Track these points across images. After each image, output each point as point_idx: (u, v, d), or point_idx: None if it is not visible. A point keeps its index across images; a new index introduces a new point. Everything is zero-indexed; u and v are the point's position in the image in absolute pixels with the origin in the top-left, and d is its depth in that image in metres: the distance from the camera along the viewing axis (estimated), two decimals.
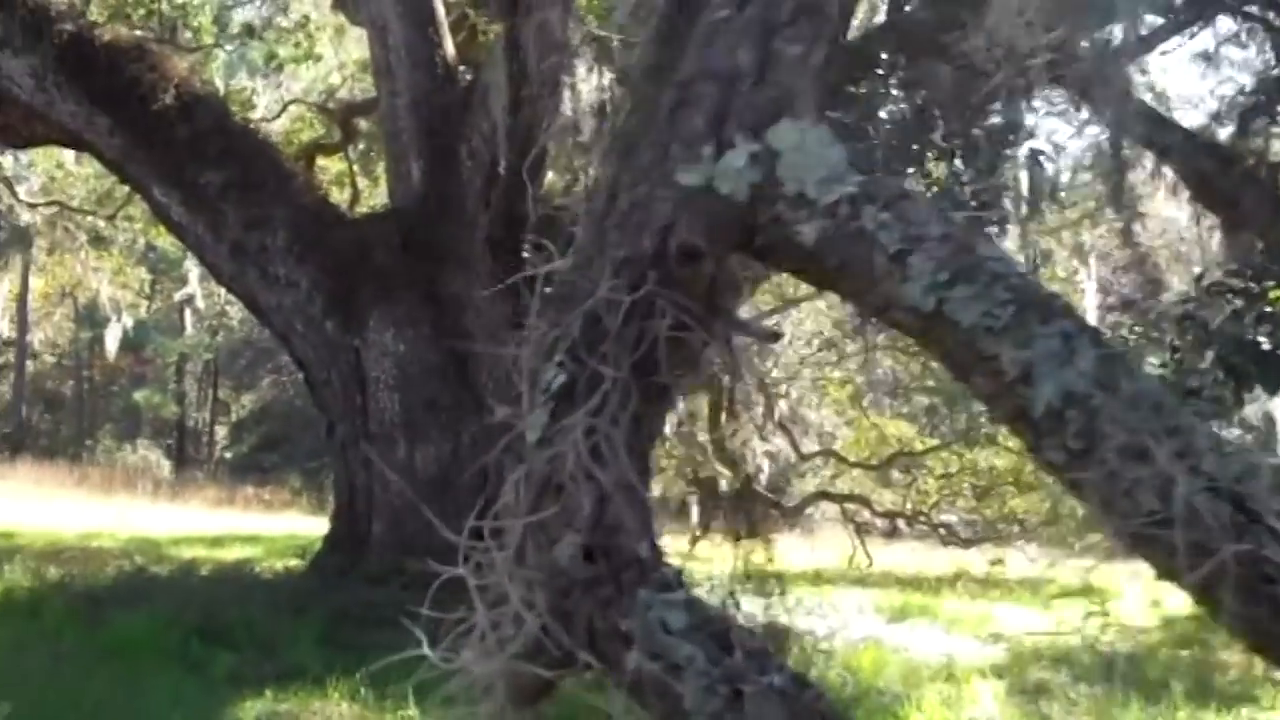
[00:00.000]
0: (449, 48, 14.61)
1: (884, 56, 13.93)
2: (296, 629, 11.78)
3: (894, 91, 13.92)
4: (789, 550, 30.37)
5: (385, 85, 14.69)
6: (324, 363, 14.31)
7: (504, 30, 13.50)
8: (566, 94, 12.07)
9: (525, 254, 14.39)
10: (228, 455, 54.85)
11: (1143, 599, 22.20)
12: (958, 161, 14.02)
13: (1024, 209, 17.45)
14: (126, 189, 25.05)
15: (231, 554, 20.32)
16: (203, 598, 12.84)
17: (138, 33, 15.95)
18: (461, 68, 14.68)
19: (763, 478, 27.93)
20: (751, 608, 14.18)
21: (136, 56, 14.07)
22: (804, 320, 29.21)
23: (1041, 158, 17.79)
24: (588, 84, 12.10)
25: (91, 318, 47.46)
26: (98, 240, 28.80)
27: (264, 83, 23.04)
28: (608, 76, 12.42)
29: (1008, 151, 17.07)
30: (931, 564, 26.79)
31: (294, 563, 16.89)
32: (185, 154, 13.99)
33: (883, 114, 11.02)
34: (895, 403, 34.09)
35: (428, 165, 14.23)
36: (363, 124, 23.45)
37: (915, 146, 13.70)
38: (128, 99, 13.86)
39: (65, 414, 58.33)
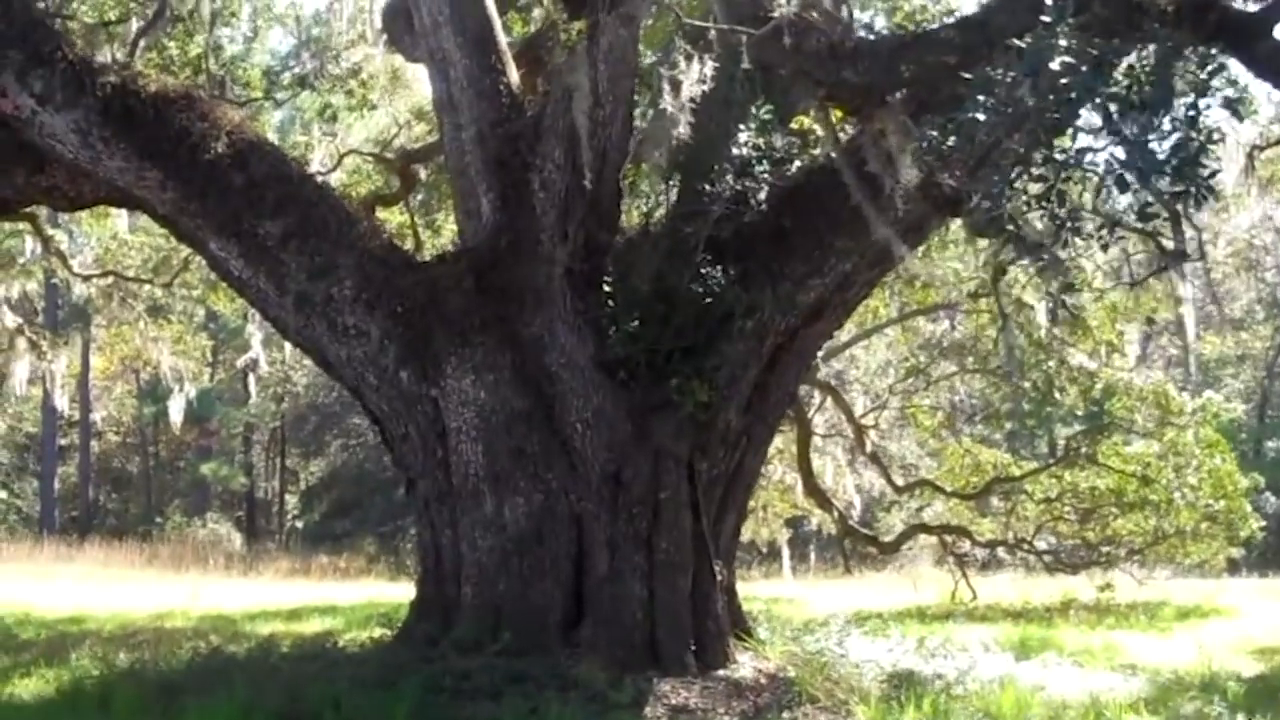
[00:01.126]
0: (513, 76, 13.74)
1: None
2: (387, 705, 10.91)
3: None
4: (884, 587, 29.71)
5: (449, 119, 13.82)
6: (400, 416, 13.41)
7: (586, 29, 12.53)
8: (666, 88, 11.03)
9: (607, 286, 13.69)
10: (299, 524, 54.49)
11: (1267, 618, 21.31)
12: None
13: None
14: (183, 255, 24.85)
15: (310, 627, 19.61)
16: (284, 678, 11.96)
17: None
18: (529, 98, 13.75)
19: (854, 513, 27.00)
20: (871, 651, 13.33)
21: (185, 106, 13.24)
22: (886, 347, 28.33)
23: None
24: (688, 77, 11.05)
25: (154, 392, 47.24)
26: (155, 310, 28.21)
27: (318, 134, 22.26)
28: (709, 67, 11.40)
29: None
30: (1035, 593, 25.94)
31: (378, 633, 16.02)
32: (242, 203, 13.13)
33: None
34: (983, 428, 33.08)
35: (498, 199, 13.32)
36: (421, 173, 22.76)
37: None
38: (178, 150, 13.03)
39: (132, 492, 58.16)
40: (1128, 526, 26.19)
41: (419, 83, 20.54)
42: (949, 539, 27.00)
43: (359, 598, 25.95)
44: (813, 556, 40.57)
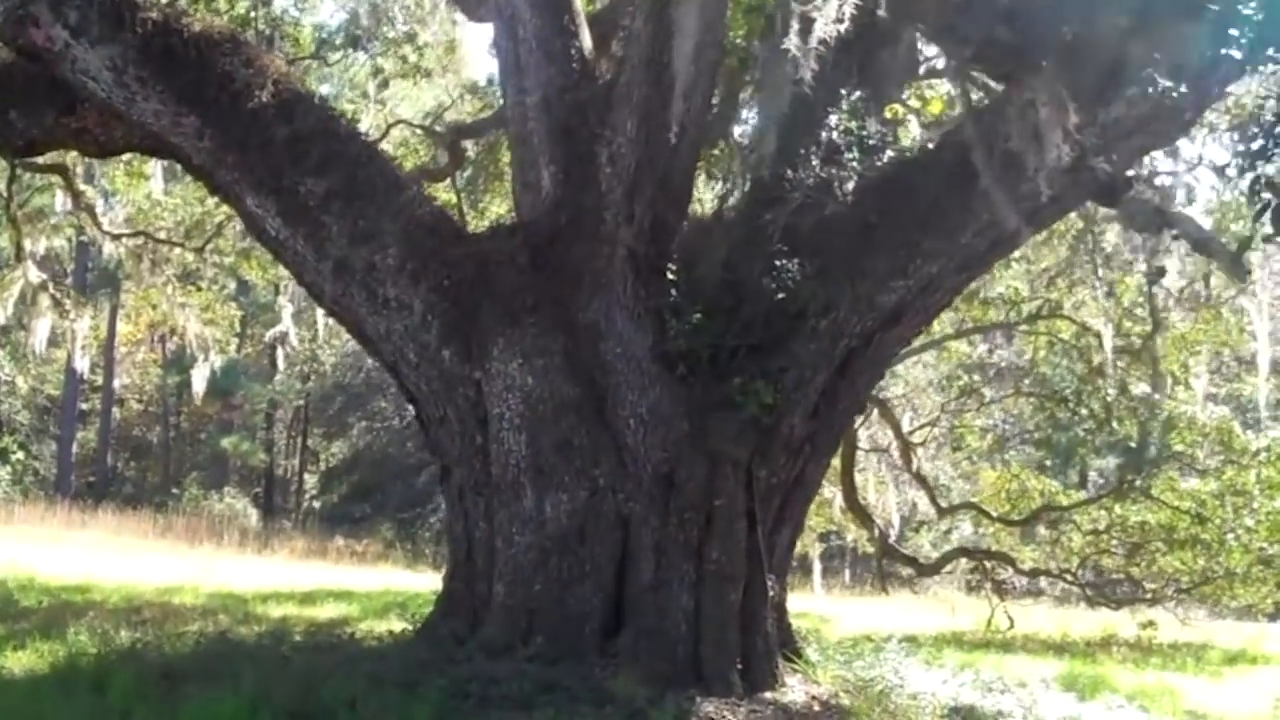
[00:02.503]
0: (586, 40, 12.83)
1: None
2: (407, 708, 10.01)
3: None
4: (916, 609, 28.81)
5: (513, 83, 12.91)
6: (439, 398, 12.52)
7: None
8: (793, 25, 9.89)
9: (672, 273, 12.75)
10: (316, 505, 53.82)
11: None
12: None
13: None
14: (217, 220, 24.13)
15: (324, 612, 18.87)
16: (296, 670, 11.06)
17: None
18: (602, 65, 12.80)
19: (892, 532, 26.11)
20: (927, 681, 12.36)
21: (230, 50, 12.36)
22: (939, 364, 27.46)
23: None
24: (823, 14, 9.88)
25: (179, 362, 46.63)
26: (185, 276, 27.45)
27: (367, 102, 21.37)
28: (850, 5, 10.20)
29: None
30: (1073, 625, 25.28)
31: (397, 625, 15.19)
32: (284, 158, 12.25)
33: None
34: (1032, 453, 32.19)
35: (560, 171, 12.43)
36: (470, 150, 21.94)
37: None
38: (219, 96, 12.14)
39: (151, 461, 57.66)
40: (1174, 564, 25.25)
41: (476, 56, 19.85)
42: (989, 565, 25.99)
43: (375, 584, 25.42)
44: (846, 573, 39.65)
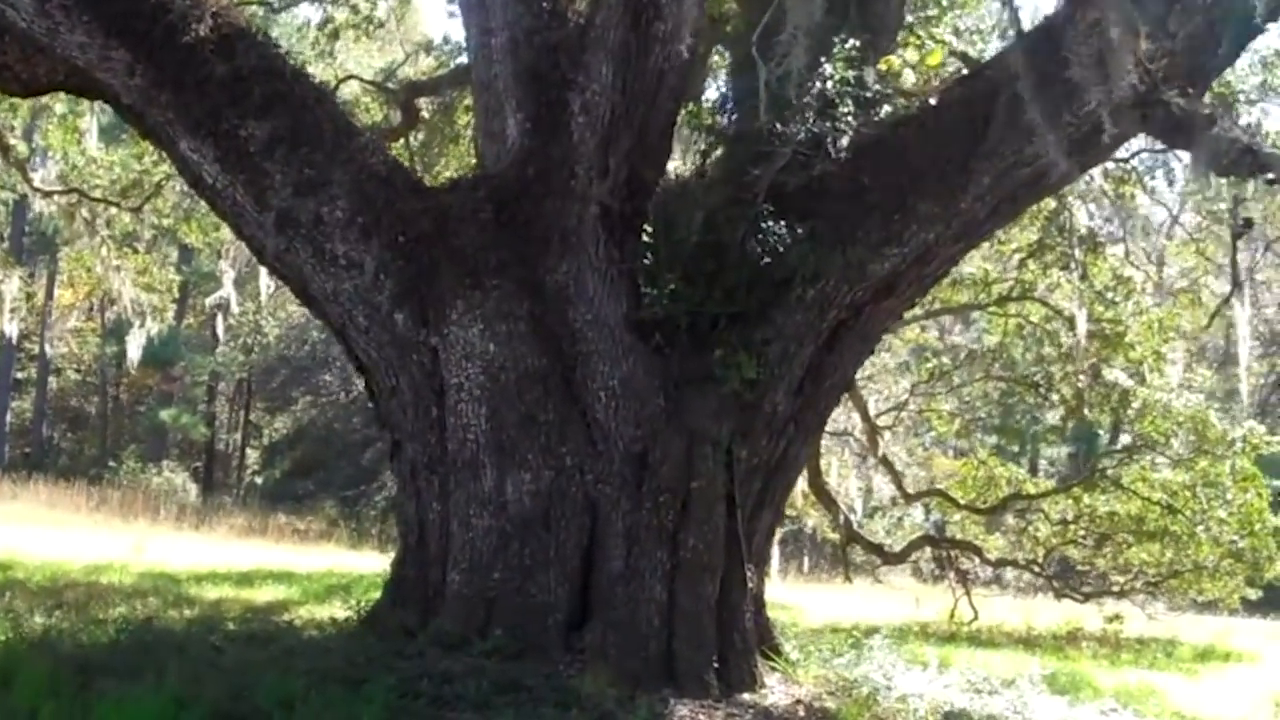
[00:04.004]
0: None
1: None
2: (352, 709, 8.92)
3: None
4: (876, 598, 28.01)
5: (477, 21, 11.89)
6: (391, 366, 11.46)
7: None
8: None
9: (648, 234, 11.74)
10: (258, 481, 52.58)
11: None
12: None
13: None
14: (155, 179, 22.93)
15: (262, 595, 17.88)
16: (228, 665, 9.96)
17: None
18: (574, 6, 11.76)
19: (855, 518, 25.25)
20: (912, 681, 11.43)
21: None
22: (905, 345, 26.65)
23: None
24: None
25: (117, 331, 45.24)
26: (125, 238, 26.20)
27: (315, 53, 20.20)
28: None
29: None
30: (1037, 618, 24.84)
31: (340, 613, 14.16)
32: (223, 98, 11.12)
33: None
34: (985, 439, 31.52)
35: (528, 120, 11.39)
36: (425, 111, 20.88)
37: None
38: (152, 29, 10.96)
39: (88, 433, 56.22)
40: (1141, 556, 24.52)
41: (430, 11, 18.79)
42: (954, 554, 25.17)
43: (317, 565, 24.45)
44: (805, 560, 38.87)
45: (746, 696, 10.51)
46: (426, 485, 11.36)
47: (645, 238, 11.44)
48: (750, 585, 11.14)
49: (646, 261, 11.31)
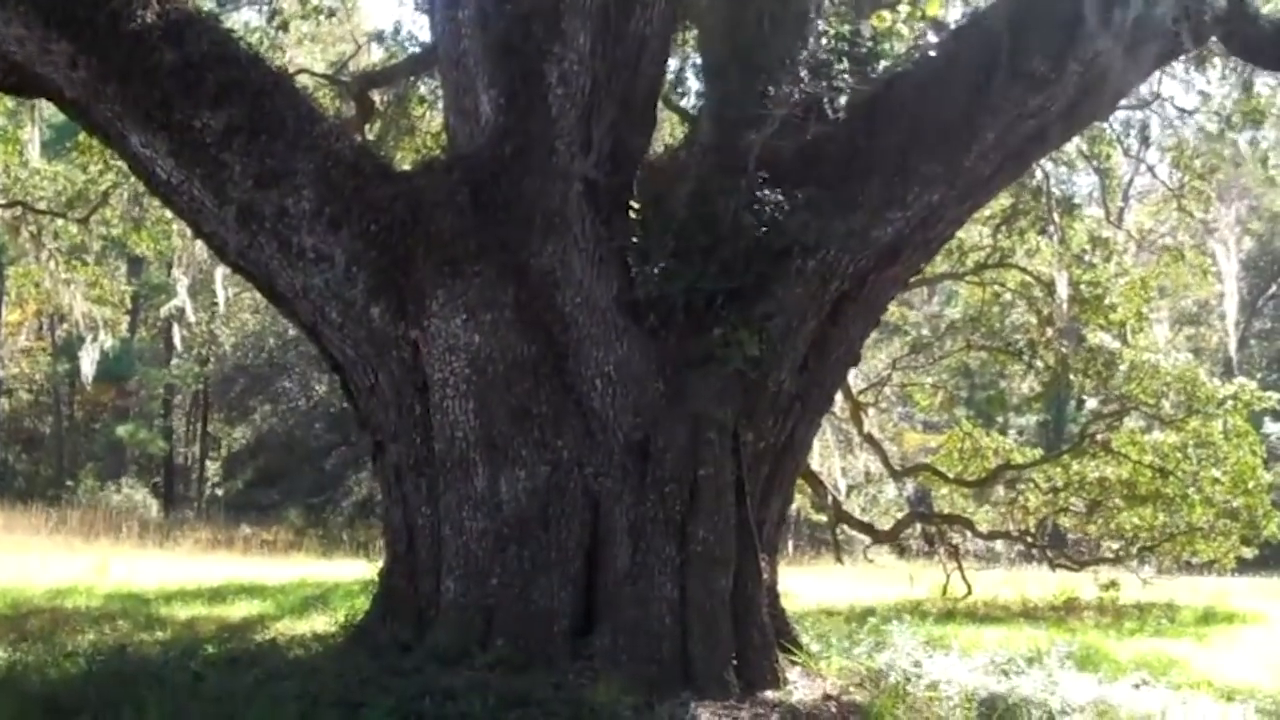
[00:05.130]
0: None
1: None
2: None
3: None
4: (865, 578, 27.46)
5: None
6: (369, 363, 10.78)
7: None
8: None
9: (636, 210, 11.06)
10: (219, 493, 51.65)
11: None
12: None
13: None
14: (102, 188, 22.17)
15: (236, 611, 17.12)
16: (210, 693, 9.14)
17: None
18: None
19: (841, 498, 24.69)
20: (939, 667, 10.81)
21: None
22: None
23: None
24: None
25: (68, 348, 44.32)
26: (73, 251, 25.46)
27: (265, 48, 19.38)
28: None
29: None
30: (1031, 590, 24.52)
31: (320, 625, 13.46)
32: (174, 88, 10.38)
33: None
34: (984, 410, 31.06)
35: (503, 95, 10.69)
36: (378, 103, 20.13)
37: None
38: (95, 17, 10.22)
39: (43, 453, 55.11)
40: (1133, 520, 24.05)
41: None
42: (945, 529, 24.66)
43: (289, 576, 23.68)
44: (790, 543, 38.30)
45: (770, 694, 9.87)
46: (413, 488, 10.69)
47: (633, 214, 10.79)
48: (765, 576, 10.50)
49: (636, 239, 10.67)
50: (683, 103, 17.52)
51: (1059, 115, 10.76)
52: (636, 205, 10.84)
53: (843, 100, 10.57)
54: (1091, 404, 33.38)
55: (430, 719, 8.75)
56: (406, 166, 19.00)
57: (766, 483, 10.84)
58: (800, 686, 10.18)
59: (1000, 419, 47.08)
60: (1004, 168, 11.08)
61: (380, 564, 11.76)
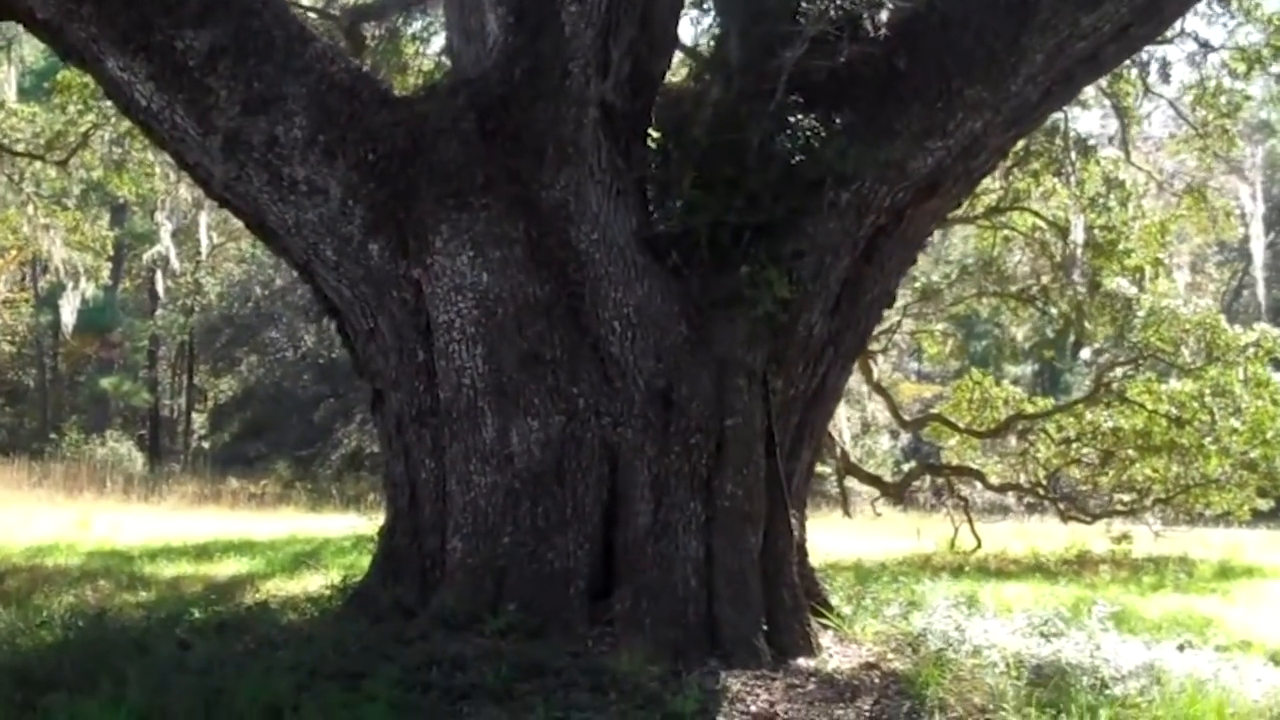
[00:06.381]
0: None
1: None
2: (355, 713, 7.47)
3: None
4: (868, 532, 26.80)
5: None
6: (367, 305, 9.97)
7: None
8: None
9: (656, 138, 10.24)
10: (205, 446, 50.89)
11: None
12: None
13: None
14: (81, 129, 21.38)
15: (224, 569, 16.57)
16: (197, 664, 8.34)
17: None
18: None
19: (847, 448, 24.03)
20: (975, 631, 10.08)
21: None
22: None
23: None
24: None
25: (52, 301, 43.48)
26: (49, 194, 24.69)
27: None
28: None
29: None
30: (1039, 544, 23.53)
31: (313, 584, 12.77)
32: (153, 7, 9.57)
33: None
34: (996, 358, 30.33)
35: (511, 13, 9.87)
36: (370, 38, 19.34)
37: None
38: None
39: (28, 406, 54.33)
40: (1145, 472, 23.36)
41: None
42: (954, 481, 24.00)
43: (278, 532, 23.19)
44: None
45: (803, 662, 9.14)
46: (416, 440, 9.91)
47: (653, 143, 9.99)
48: (795, 534, 9.75)
49: (656, 169, 9.88)
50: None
51: (1111, 36, 10.06)
52: (656, 133, 10.07)
53: (883, 17, 9.77)
54: (1085, 354, 32.80)
55: (438, 691, 8.02)
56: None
57: (796, 433, 10.12)
58: (835, 653, 9.47)
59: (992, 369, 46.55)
60: (1052, 92, 10.30)
61: (377, 521, 11.01)
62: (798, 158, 9.31)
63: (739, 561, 9.20)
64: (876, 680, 8.85)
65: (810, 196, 9.53)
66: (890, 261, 10.47)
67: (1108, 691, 8.78)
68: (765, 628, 9.20)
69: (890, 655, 9.44)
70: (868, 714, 8.30)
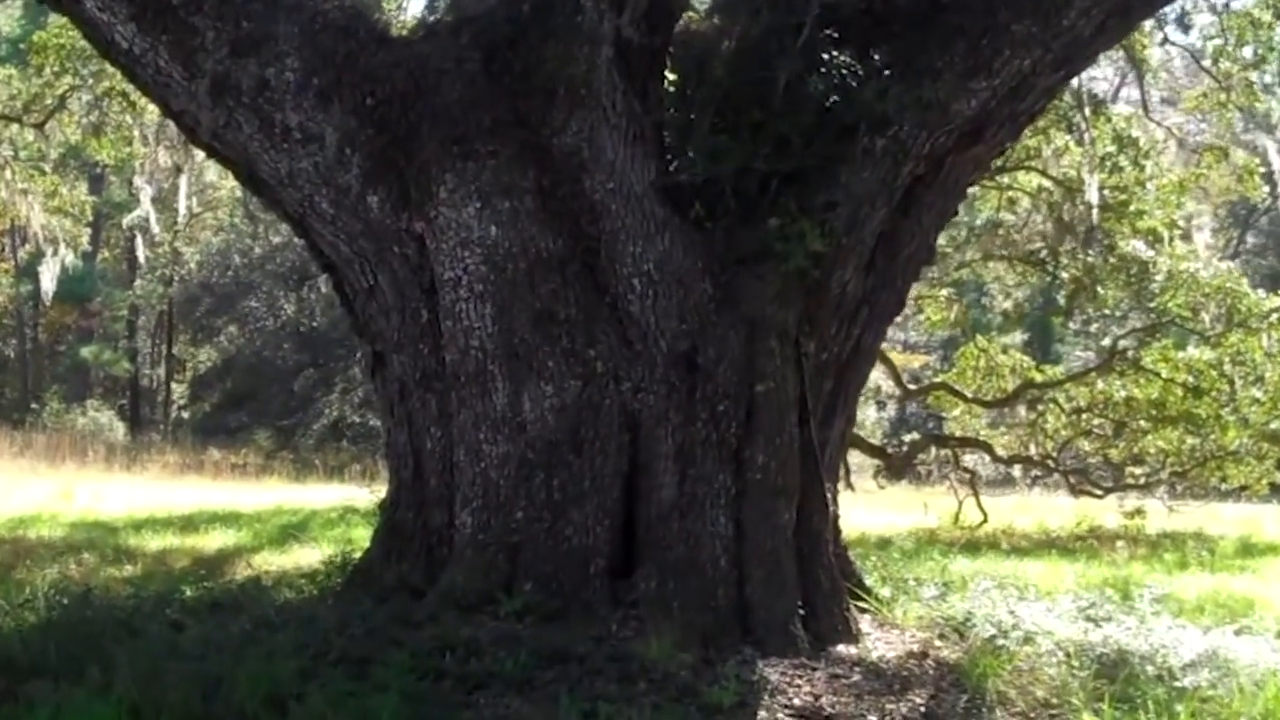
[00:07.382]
0: None
1: None
2: (364, 704, 6.82)
3: None
4: (873, 505, 26.18)
5: None
6: (366, 261, 9.27)
7: None
8: None
9: (676, 79, 9.49)
10: (186, 415, 50.37)
11: None
12: None
13: None
14: (59, 92, 20.84)
15: (210, 541, 16.01)
16: (191, 648, 7.68)
17: None
18: None
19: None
20: (1023, 616, 9.42)
21: None
22: None
23: None
24: None
25: (31, 270, 42.86)
26: (27, 158, 24.07)
27: None
28: None
29: None
30: (1048, 519, 23.06)
31: (304, 558, 12.26)
32: None
33: None
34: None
35: None
36: None
37: None
38: None
39: (8, 376, 53.88)
40: (1159, 444, 22.70)
41: None
42: (960, 453, 23.34)
43: (263, 503, 22.66)
44: None
45: (843, 649, 8.46)
46: (420, 407, 9.23)
47: (672, 84, 9.28)
48: (830, 509, 9.07)
49: (677, 112, 9.19)
50: None
51: None
52: (674, 74, 9.38)
53: None
54: (1074, 325, 32.10)
55: (452, 679, 7.37)
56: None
57: (829, 400, 9.40)
58: (877, 640, 8.79)
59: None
60: (1107, 27, 9.52)
61: (364, 492, 10.32)
62: (832, 99, 8.59)
63: (772, 539, 8.51)
64: (930, 671, 8.18)
65: (844, 142, 8.83)
66: (929, 214, 9.75)
67: (1177, 683, 8.15)
68: (801, 612, 8.53)
69: (936, 642, 8.77)
70: (922, 709, 7.63)
